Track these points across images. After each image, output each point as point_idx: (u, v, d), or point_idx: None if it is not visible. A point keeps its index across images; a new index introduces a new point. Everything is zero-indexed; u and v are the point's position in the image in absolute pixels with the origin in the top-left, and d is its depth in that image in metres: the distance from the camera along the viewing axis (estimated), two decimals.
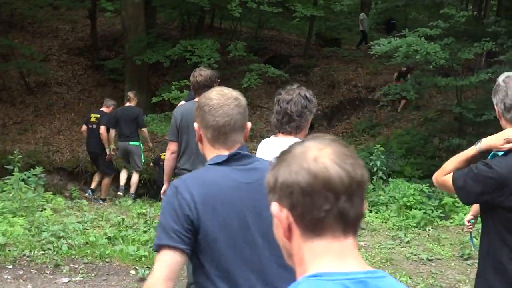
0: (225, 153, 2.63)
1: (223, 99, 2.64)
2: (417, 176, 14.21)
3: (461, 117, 14.61)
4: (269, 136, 4.01)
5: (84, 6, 22.67)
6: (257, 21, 22.72)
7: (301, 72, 21.67)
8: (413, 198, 9.37)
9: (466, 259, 7.28)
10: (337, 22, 27.44)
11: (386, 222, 8.98)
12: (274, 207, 1.49)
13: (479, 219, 5.34)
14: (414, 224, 8.71)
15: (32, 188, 9.16)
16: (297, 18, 17.71)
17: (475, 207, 5.09)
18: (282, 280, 2.46)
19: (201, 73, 5.76)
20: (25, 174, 9.27)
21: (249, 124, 2.78)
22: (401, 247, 7.69)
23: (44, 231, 7.47)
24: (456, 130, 16.98)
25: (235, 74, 21.20)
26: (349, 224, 1.47)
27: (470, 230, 5.27)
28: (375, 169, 10.30)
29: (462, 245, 7.80)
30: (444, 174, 3.58)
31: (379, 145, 11.75)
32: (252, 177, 2.60)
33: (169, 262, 2.42)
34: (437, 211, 9.19)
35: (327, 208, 1.43)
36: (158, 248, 2.45)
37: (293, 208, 1.46)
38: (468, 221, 5.19)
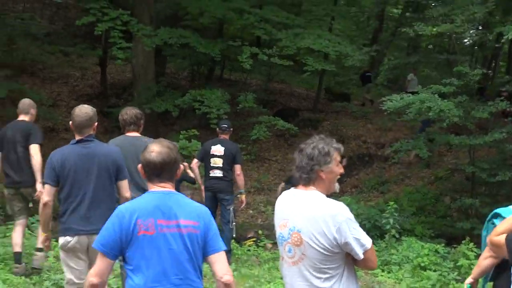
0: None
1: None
2: (428, 236, 13.85)
3: (474, 177, 14.31)
4: (289, 188, 3.83)
5: (95, 54, 22.70)
6: (267, 73, 22.70)
7: (310, 125, 21.50)
8: (428, 259, 9.04)
9: None
10: (346, 78, 27.47)
11: (399, 283, 8.63)
12: None
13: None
14: (429, 286, 8.36)
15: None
16: (308, 72, 17.63)
17: (477, 270, 4.81)
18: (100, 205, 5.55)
19: (127, 112, 6.86)
20: (29, 220, 8.98)
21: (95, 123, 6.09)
22: None
23: (45, 280, 7.17)
24: (468, 189, 16.67)
25: (243, 125, 21.06)
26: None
27: None
28: (387, 227, 9.98)
29: None
30: (497, 235, 3.53)
31: (392, 203, 11.47)
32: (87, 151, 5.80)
33: None
34: (453, 273, 8.84)
35: None
36: None
37: None
38: (468, 284, 4.91)
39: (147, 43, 16.53)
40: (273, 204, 14.81)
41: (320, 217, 3.46)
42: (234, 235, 10.55)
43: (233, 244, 10.14)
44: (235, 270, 8.62)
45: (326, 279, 3.50)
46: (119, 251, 3.60)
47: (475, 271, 4.86)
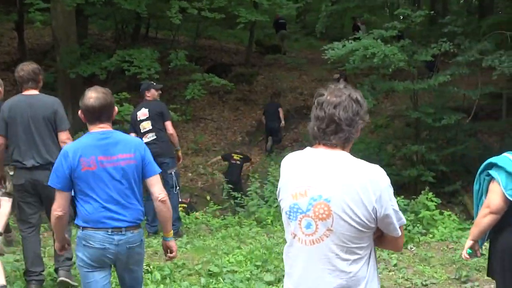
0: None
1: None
2: None
3: (418, 123, 13.98)
4: (293, 148, 3.05)
5: (10, 19, 21.22)
6: (195, 29, 21.75)
7: (244, 81, 20.83)
8: None
9: (464, 282, 6.50)
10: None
11: None
12: None
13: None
14: None
15: None
16: (241, 24, 16.79)
17: (476, 230, 4.29)
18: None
19: (23, 68, 6.03)
20: None
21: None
22: (389, 271, 6.84)
23: None
24: (410, 136, 16.41)
25: (175, 85, 20.19)
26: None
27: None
28: None
29: (455, 265, 7.04)
30: None
31: None
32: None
33: None
34: (417, 226, 8.42)
35: None
36: None
37: None
38: (468, 249, 4.40)
39: (68, 2, 15.34)
40: (212, 166, 14.10)
41: (358, 184, 2.69)
42: (180, 199, 9.94)
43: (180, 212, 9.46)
44: (188, 243, 7.95)
45: (354, 261, 2.74)
46: (71, 184, 4.20)
47: (474, 231, 4.31)
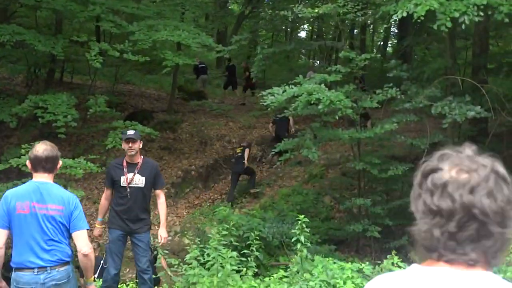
0: None
1: None
2: (315, 242, 12.42)
3: (360, 173, 13.07)
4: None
5: None
6: (114, 74, 20.38)
7: (167, 128, 19.53)
8: (353, 283, 7.44)
9: None
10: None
11: None
12: None
13: None
14: None
15: None
16: (167, 68, 15.50)
17: None
18: None
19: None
20: None
21: None
22: None
23: None
24: (348, 187, 15.51)
25: (92, 133, 18.71)
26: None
27: None
28: (298, 245, 8.24)
29: None
30: None
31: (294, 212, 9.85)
32: None
33: None
34: None
35: None
36: None
37: None
38: None
39: None
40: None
41: None
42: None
43: None
44: None
45: None
46: (8, 223, 4.80)
47: None
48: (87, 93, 17.82)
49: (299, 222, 8.22)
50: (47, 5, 14.92)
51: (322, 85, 11.17)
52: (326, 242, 13.17)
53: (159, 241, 7.78)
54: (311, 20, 14.20)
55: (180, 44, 17.64)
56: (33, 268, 4.72)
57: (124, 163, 7.66)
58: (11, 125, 15.29)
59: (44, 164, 4.82)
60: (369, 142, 13.96)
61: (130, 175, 7.59)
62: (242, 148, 16.15)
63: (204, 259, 8.80)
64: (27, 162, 4.96)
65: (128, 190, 7.57)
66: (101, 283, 7.88)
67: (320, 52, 16.96)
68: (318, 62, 16.67)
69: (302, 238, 8.21)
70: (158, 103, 22.81)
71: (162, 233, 7.78)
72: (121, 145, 15.31)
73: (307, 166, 17.11)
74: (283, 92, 11.18)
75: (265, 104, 11.34)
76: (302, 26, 22.96)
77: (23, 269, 4.73)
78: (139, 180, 7.63)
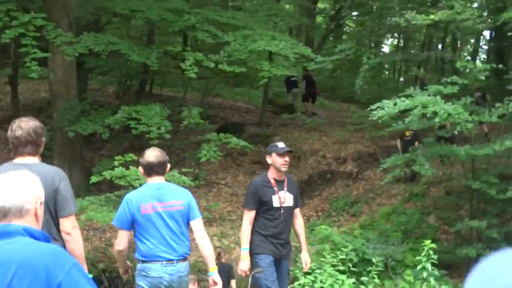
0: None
1: None
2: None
3: (474, 193, 12.02)
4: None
5: (4, 73, 19.46)
6: (203, 87, 19.97)
7: (259, 142, 18.88)
8: None
9: None
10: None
11: None
12: None
13: None
14: None
15: None
16: (264, 79, 14.84)
17: None
18: None
19: (21, 125, 4.41)
20: None
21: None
22: None
23: None
24: (454, 206, 14.45)
25: (183, 146, 18.29)
26: None
27: None
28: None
29: None
30: None
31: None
32: None
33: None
34: None
35: None
36: None
37: None
38: None
39: (68, 52, 13.49)
40: (227, 236, 11.66)
41: None
42: None
43: None
44: None
45: None
46: (131, 224, 5.30)
47: None
48: (178, 105, 17.46)
49: (425, 248, 7.34)
50: (142, 15, 14.58)
51: (438, 97, 10.27)
52: (434, 266, 12.22)
53: (303, 266, 6.96)
54: (424, 27, 13.18)
55: (272, 55, 17.09)
56: (161, 261, 5.18)
57: (272, 181, 6.78)
58: (103, 137, 15.02)
59: (156, 169, 5.29)
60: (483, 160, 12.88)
61: (281, 193, 6.72)
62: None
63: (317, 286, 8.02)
64: (140, 168, 5.46)
65: (282, 210, 6.70)
66: None
67: (413, 64, 15.97)
68: (424, 73, 15.71)
69: (428, 266, 7.35)
70: (248, 116, 22.31)
71: (306, 258, 6.91)
72: (215, 158, 14.91)
73: (408, 183, 16.13)
74: (394, 105, 10.33)
75: (374, 118, 10.52)
76: (415, 34, 21.71)
77: (152, 262, 5.19)
78: (289, 199, 6.78)
